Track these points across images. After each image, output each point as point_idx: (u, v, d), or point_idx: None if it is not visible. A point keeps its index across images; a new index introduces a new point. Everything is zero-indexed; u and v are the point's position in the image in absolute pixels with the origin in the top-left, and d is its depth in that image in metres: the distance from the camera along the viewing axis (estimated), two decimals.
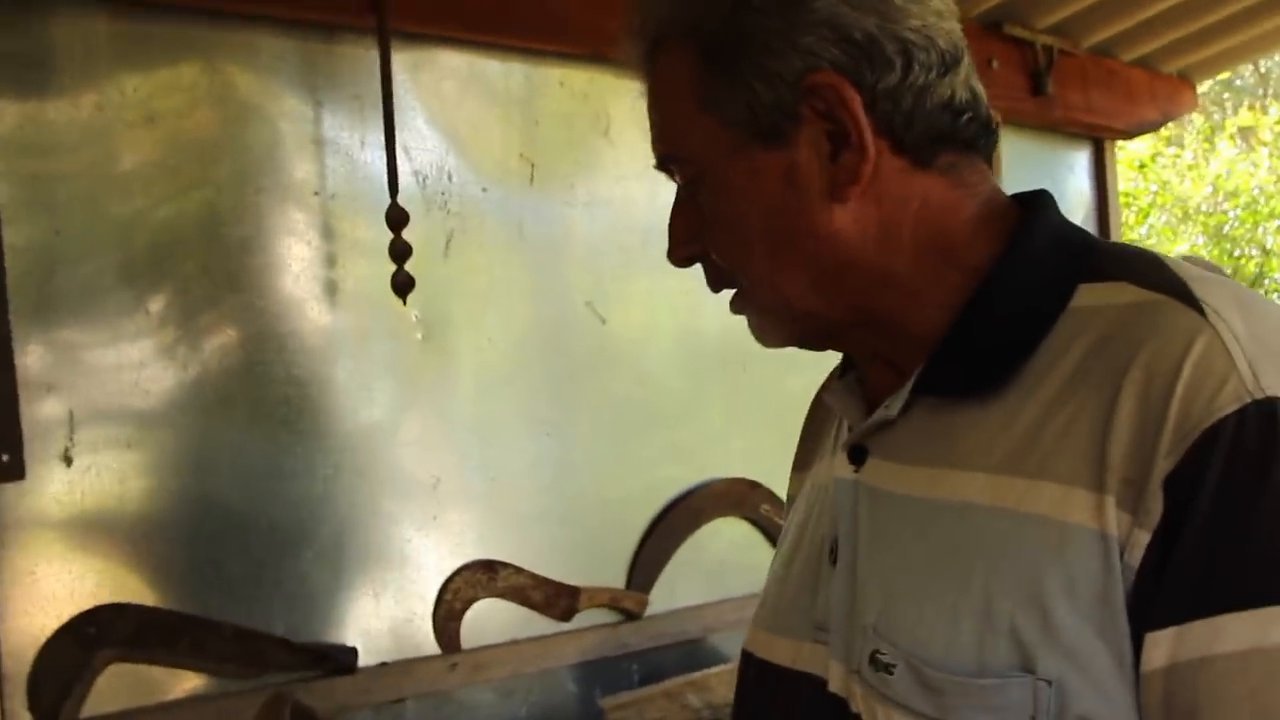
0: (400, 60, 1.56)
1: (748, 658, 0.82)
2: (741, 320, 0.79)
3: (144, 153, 1.40)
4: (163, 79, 1.42)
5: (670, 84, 0.75)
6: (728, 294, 0.76)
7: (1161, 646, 0.60)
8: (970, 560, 0.66)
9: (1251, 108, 8.84)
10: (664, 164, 0.78)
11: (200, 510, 1.42)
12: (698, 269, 0.76)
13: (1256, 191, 6.79)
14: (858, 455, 0.76)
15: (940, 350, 0.72)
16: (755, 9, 0.70)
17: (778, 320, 0.76)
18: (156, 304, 1.41)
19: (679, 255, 0.78)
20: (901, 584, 0.70)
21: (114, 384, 1.37)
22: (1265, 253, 6.31)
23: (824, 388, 0.88)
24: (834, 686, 0.73)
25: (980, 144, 0.74)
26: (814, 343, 0.79)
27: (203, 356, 1.44)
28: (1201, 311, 0.63)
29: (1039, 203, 0.76)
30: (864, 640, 0.70)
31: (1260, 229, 6.38)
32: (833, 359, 0.86)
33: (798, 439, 0.96)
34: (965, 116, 0.72)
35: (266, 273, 1.49)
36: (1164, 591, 0.60)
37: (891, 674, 0.68)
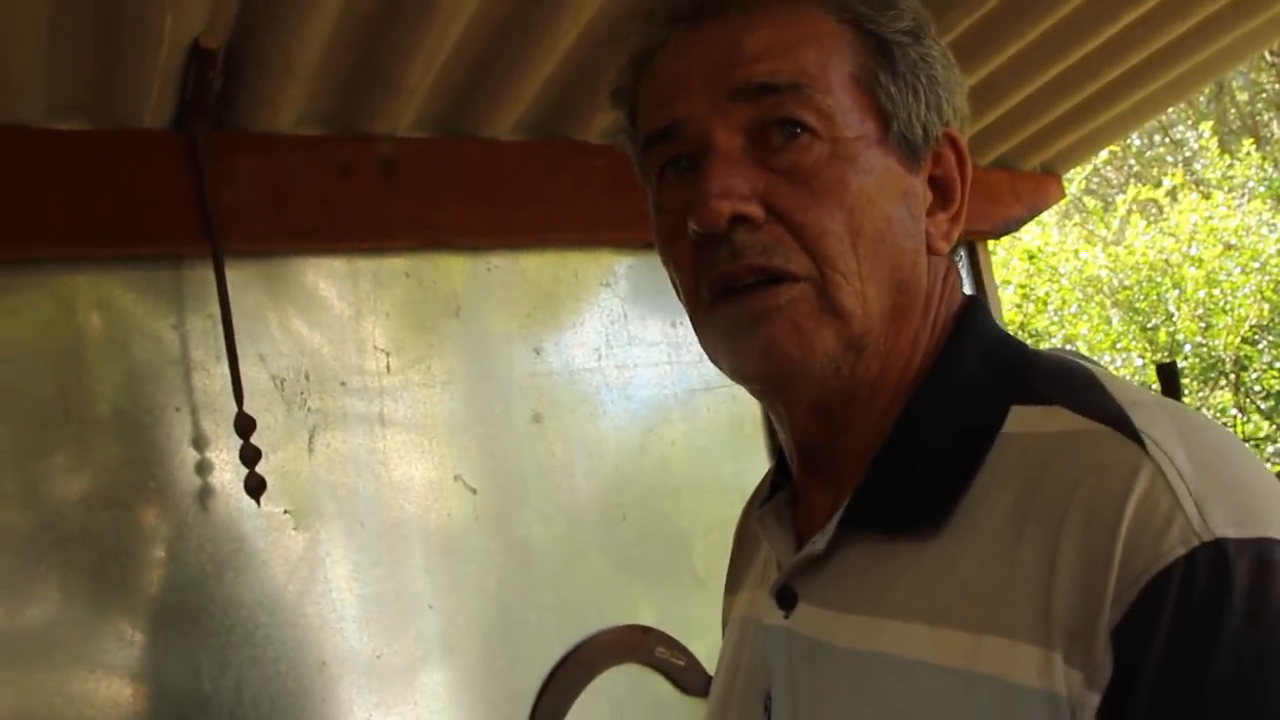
0: (248, 274, 1.67)
1: None
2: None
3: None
4: (15, 323, 1.51)
5: (816, 36, 0.70)
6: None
7: None
8: None
9: (1158, 183, 9.20)
10: (767, 91, 0.68)
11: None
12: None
13: (1155, 258, 7.07)
14: (786, 598, 0.72)
15: (867, 479, 0.68)
16: (930, 46, 0.72)
17: (825, 332, 0.68)
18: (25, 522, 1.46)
19: (731, 208, 0.67)
20: None
21: None
22: (1169, 318, 6.56)
23: (749, 512, 0.83)
24: None
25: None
26: (817, 382, 0.70)
27: (77, 574, 1.49)
28: (1142, 444, 0.59)
29: (968, 309, 0.74)
30: None
31: (1160, 298, 6.66)
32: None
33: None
34: None
35: (136, 489, 1.56)
36: None
37: None
